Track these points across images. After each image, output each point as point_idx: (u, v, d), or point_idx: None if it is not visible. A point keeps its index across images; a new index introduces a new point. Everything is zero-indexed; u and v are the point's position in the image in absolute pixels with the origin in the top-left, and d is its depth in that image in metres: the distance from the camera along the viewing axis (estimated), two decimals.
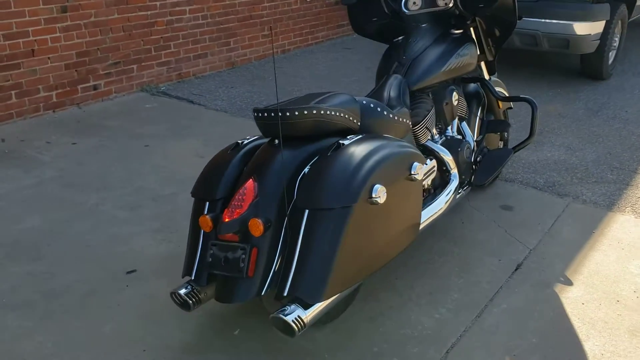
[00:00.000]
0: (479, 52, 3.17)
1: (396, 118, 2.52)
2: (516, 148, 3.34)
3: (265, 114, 2.15)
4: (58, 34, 4.74)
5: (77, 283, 2.70)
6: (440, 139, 2.97)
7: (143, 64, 5.44)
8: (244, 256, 1.99)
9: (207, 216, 2.09)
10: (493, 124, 3.23)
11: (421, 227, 2.56)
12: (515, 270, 2.87)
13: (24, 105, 4.65)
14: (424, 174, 2.59)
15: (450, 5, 2.94)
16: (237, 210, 2.03)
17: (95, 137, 4.40)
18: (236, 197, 2.06)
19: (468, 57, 2.99)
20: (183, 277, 2.18)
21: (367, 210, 2.02)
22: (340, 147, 2.12)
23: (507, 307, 2.60)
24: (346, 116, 2.28)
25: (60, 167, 3.90)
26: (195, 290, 2.14)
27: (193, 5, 5.76)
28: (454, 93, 2.94)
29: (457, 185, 2.89)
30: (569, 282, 2.77)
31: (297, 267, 1.96)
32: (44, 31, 4.64)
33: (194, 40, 5.86)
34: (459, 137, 3.05)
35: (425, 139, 2.83)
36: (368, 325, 2.45)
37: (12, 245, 2.98)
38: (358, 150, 2.09)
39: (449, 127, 3.02)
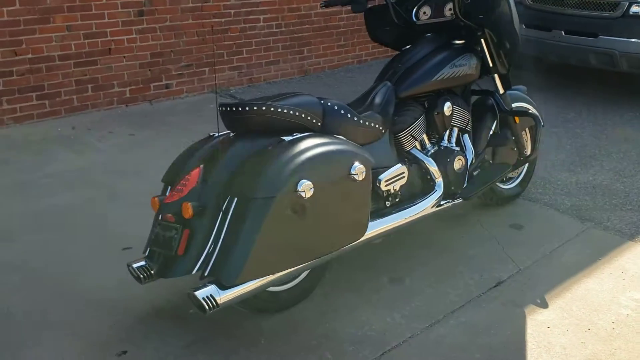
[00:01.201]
0: (491, 64, 3.12)
1: (362, 122, 2.57)
2: (515, 165, 3.22)
3: (223, 109, 2.32)
4: (134, 35, 5.22)
5: (72, 255, 3.01)
6: (433, 148, 2.96)
7: (215, 67, 5.81)
8: (176, 236, 2.16)
9: (157, 198, 2.29)
10: (493, 138, 3.15)
11: (384, 230, 2.60)
12: (494, 287, 2.79)
13: (98, 98, 5.18)
14: (388, 180, 2.62)
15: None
16: (178, 194, 2.21)
17: (153, 130, 4.80)
18: (180, 182, 2.24)
19: (465, 68, 2.96)
20: (143, 253, 2.39)
21: (293, 203, 2.11)
22: (280, 142, 2.23)
23: (466, 321, 2.54)
24: (303, 115, 2.38)
25: (111, 154, 4.31)
26: (147, 266, 2.34)
27: (267, 15, 6.06)
28: (447, 103, 2.92)
29: (441, 195, 2.86)
30: (544, 305, 2.65)
31: (219, 250, 2.10)
32: (121, 32, 5.14)
33: (266, 47, 6.16)
34: (456, 148, 3.02)
35: (410, 147, 2.84)
36: (317, 319, 2.52)
37: (34, 215, 3.37)
38: (294, 146, 2.19)
39: (445, 138, 3.00)
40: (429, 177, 2.88)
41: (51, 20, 4.77)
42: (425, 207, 2.78)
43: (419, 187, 2.86)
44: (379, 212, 2.64)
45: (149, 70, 5.40)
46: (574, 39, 5.52)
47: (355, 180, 2.26)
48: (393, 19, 3.10)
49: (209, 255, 2.15)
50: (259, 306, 2.44)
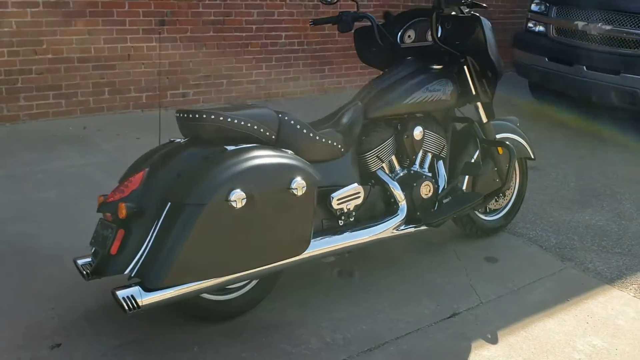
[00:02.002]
0: (474, 92, 3.07)
1: (317, 138, 2.57)
2: (486, 197, 3.14)
3: (179, 115, 2.37)
4: (154, 44, 5.38)
5: (36, 246, 3.09)
6: (402, 171, 2.92)
7: (233, 80, 5.92)
8: (111, 235, 2.21)
9: (102, 196, 2.35)
10: (465, 167, 3.08)
11: (335, 248, 2.57)
12: (448, 317, 2.72)
13: (114, 102, 5.34)
14: (341, 198, 2.60)
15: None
16: (119, 194, 2.25)
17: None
18: (124, 183, 2.29)
19: (439, 94, 2.92)
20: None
21: (223, 212, 2.12)
22: (223, 151, 2.26)
23: (407, 349, 2.48)
24: (255, 127, 2.40)
25: (112, 155, 4.43)
26: (91, 262, 2.39)
27: (290, 32, 6.15)
28: (418, 127, 2.88)
29: (403, 220, 2.82)
30: (493, 341, 2.56)
31: (148, 252, 2.13)
32: (141, 40, 5.31)
33: (287, 64, 6.24)
34: (427, 173, 2.97)
35: (375, 168, 2.82)
36: (255, 332, 2.51)
37: (21, 208, 3.49)
38: (234, 156, 2.21)
39: (417, 162, 2.96)
40: (392, 200, 2.84)
41: (73, 24, 4.97)
42: (384, 229, 2.74)
43: (381, 209, 2.83)
44: (331, 230, 2.62)
45: (167, 78, 5.54)
46: (596, 75, 5.37)
47: (294, 195, 2.26)
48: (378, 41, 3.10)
49: (141, 257, 2.17)
50: (199, 313, 2.45)
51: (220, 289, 2.42)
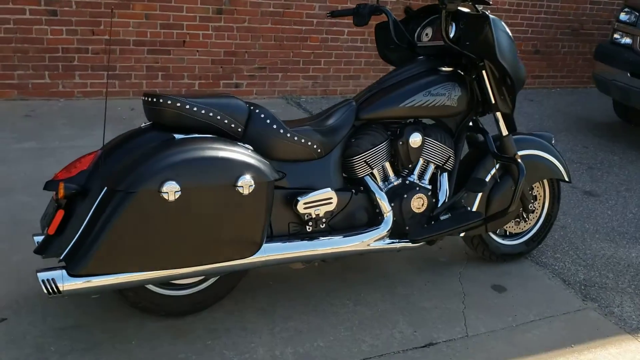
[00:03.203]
0: (493, 101, 2.75)
1: (289, 136, 2.38)
2: (488, 219, 2.80)
3: (144, 98, 2.27)
4: (210, 32, 5.39)
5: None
6: (396, 180, 2.67)
7: (289, 73, 5.82)
8: (51, 215, 2.15)
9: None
10: (470, 182, 2.75)
11: (297, 255, 2.38)
12: (420, 347, 2.44)
13: (167, 87, 5.40)
14: (308, 203, 2.39)
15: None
16: (65, 174, 2.19)
17: None
18: (73, 162, 2.23)
19: (443, 98, 2.63)
20: None
21: (154, 203, 1.99)
22: (170, 139, 2.13)
23: None
24: (219, 117, 2.25)
25: None
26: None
27: (353, 28, 5.95)
28: (415, 134, 2.61)
29: (386, 233, 2.57)
30: None
31: (78, 237, 2.04)
32: (197, 27, 5.32)
33: (347, 61, 6.05)
34: (426, 185, 2.70)
35: (362, 174, 2.58)
36: (203, 334, 2.36)
37: (35, 180, 3.56)
38: (179, 146, 2.07)
39: (415, 172, 2.69)
40: (377, 210, 2.60)
41: (131, 7, 5.07)
42: (360, 241, 2.50)
43: (362, 219, 2.59)
44: (297, 235, 2.43)
45: (221, 67, 5.53)
46: None
47: (240, 193, 2.09)
48: (400, 38, 2.87)
49: (73, 241, 2.09)
50: (146, 306, 2.35)
51: (165, 283, 2.31)
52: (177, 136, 2.14)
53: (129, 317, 2.41)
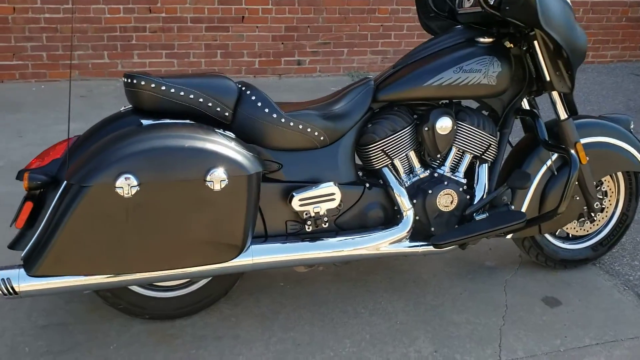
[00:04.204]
0: (548, 78, 2.27)
1: (284, 121, 2.05)
2: (532, 221, 2.32)
3: (124, 80, 2.05)
4: (270, 6, 5.12)
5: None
6: (422, 172, 2.28)
7: (355, 49, 5.45)
8: (19, 206, 1.98)
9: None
10: (512, 176, 2.28)
11: (295, 259, 2.08)
12: None
13: (226, 65, 5.22)
14: (305, 199, 2.06)
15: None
16: (36, 162, 2.01)
17: None
18: (47, 150, 2.04)
19: (479, 75, 2.19)
20: None
21: (109, 199, 1.75)
22: (137, 126, 1.88)
23: None
24: (201, 100, 1.98)
25: None
26: None
27: None
28: (444, 118, 2.19)
29: (405, 234, 2.19)
30: None
31: (38, 234, 1.86)
32: (257, 1, 5.08)
33: (420, 34, 5.57)
34: (459, 179, 2.28)
35: (379, 165, 2.21)
36: (189, 342, 2.12)
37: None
38: (141, 133, 1.81)
39: (447, 164, 2.29)
40: (396, 208, 2.23)
41: None
42: (372, 243, 2.15)
43: (378, 217, 2.23)
44: (295, 236, 2.12)
45: (282, 43, 5.26)
46: None
47: (210, 189, 1.81)
48: (439, 6, 2.46)
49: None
50: (130, 309, 2.15)
51: (149, 284, 2.09)
52: (145, 122, 1.88)
53: (115, 317, 2.22)
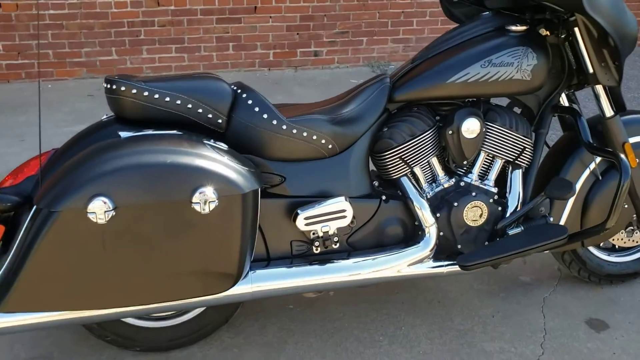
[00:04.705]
0: (591, 69, 1.97)
1: (285, 128, 1.79)
2: (575, 237, 2.02)
3: (104, 85, 1.80)
4: None
5: None
6: (447, 181, 1.99)
7: (375, 37, 5.15)
8: None
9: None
10: (551, 185, 1.97)
11: (300, 285, 1.83)
12: None
13: (239, 58, 4.96)
14: (311, 217, 1.80)
15: None
16: (10, 181, 1.78)
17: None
18: (21, 166, 1.81)
19: (511, 70, 1.89)
20: None
21: (82, 225, 1.51)
22: (115, 140, 1.63)
23: None
24: (189, 106, 1.73)
25: None
26: None
27: None
28: (471, 120, 1.90)
29: (429, 253, 1.92)
30: None
31: (7, 263, 1.63)
32: None
33: (444, 20, 5.22)
34: (489, 188, 1.99)
35: (397, 174, 1.93)
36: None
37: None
38: (118, 149, 1.57)
39: (474, 171, 2.00)
40: (417, 223, 1.95)
41: None
42: (389, 265, 1.88)
43: (395, 234, 1.96)
44: (302, 258, 1.86)
45: (297, 34, 4.99)
46: None
47: (199, 212, 1.55)
48: None
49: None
50: (114, 340, 1.91)
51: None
52: (124, 134, 1.63)
53: (104, 349, 2.00)
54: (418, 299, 2.26)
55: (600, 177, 2.15)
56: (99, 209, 1.49)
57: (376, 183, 2.00)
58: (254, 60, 4.98)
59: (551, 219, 2.05)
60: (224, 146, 1.67)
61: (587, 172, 2.14)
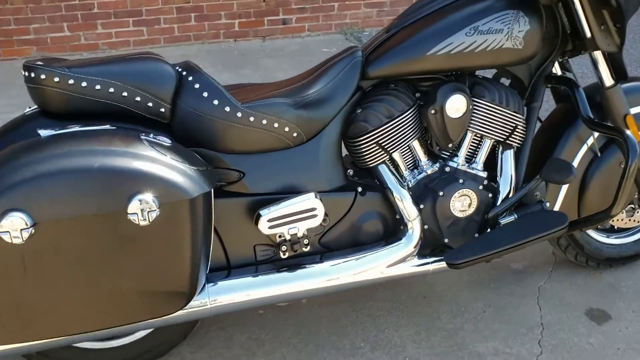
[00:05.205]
0: (588, 33, 1.72)
1: (239, 116, 1.52)
2: (576, 224, 1.80)
3: (23, 73, 1.52)
4: None
5: None
6: (430, 167, 1.75)
7: (347, 2, 4.84)
8: None
9: None
10: (547, 167, 1.75)
11: (267, 297, 1.59)
12: None
13: (202, 30, 4.63)
14: (275, 219, 1.55)
15: None
16: None
17: (233, 74, 4.12)
18: None
19: (501, 38, 1.64)
20: None
21: None
22: (34, 140, 1.36)
23: None
24: (125, 94, 1.45)
25: None
26: None
27: None
28: (455, 96, 1.65)
29: (410, 250, 1.69)
30: None
31: None
32: None
33: None
34: (478, 173, 1.76)
35: (374, 162, 1.69)
36: None
37: None
38: (36, 152, 1.30)
39: (460, 153, 1.76)
40: (398, 217, 1.72)
41: None
42: (367, 267, 1.65)
43: (374, 231, 1.72)
44: (269, 265, 1.63)
45: (264, 1, 4.66)
46: None
47: (137, 224, 1.29)
48: None
49: None
50: None
51: None
52: (44, 133, 1.36)
53: None
54: (402, 295, 2.04)
55: (599, 154, 1.93)
56: (14, 227, 1.22)
57: (351, 172, 1.75)
58: (218, 31, 4.65)
59: (547, 204, 1.82)
60: (166, 141, 1.41)
61: (584, 149, 1.92)
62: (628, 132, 1.69)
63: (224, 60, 4.35)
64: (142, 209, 1.28)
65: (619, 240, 2.13)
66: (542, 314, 1.97)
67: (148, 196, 1.28)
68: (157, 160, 1.33)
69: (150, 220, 1.29)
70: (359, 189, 1.69)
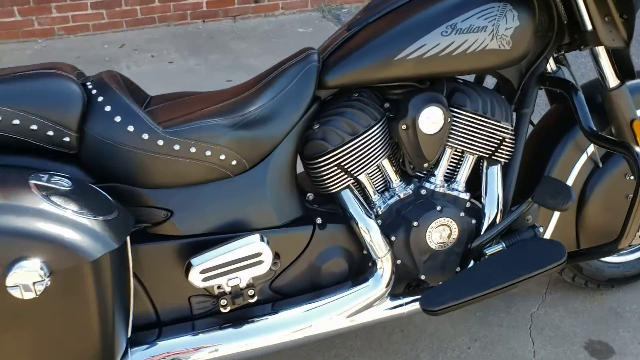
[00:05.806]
0: (589, 26, 1.43)
1: (161, 144, 1.23)
2: (575, 256, 1.54)
3: None
4: None
5: None
6: (402, 190, 1.47)
7: None
8: None
9: None
10: (540, 188, 1.48)
11: (225, 355, 1.32)
12: None
13: (167, 11, 4.29)
14: (210, 270, 1.27)
15: None
16: None
17: (201, 58, 3.81)
18: None
19: (485, 37, 1.34)
20: None
21: None
22: None
23: None
24: (17, 121, 1.16)
25: None
26: None
27: None
28: (430, 108, 1.37)
29: (380, 292, 1.43)
30: None
31: None
32: None
33: None
34: (456, 195, 1.48)
35: (337, 186, 1.41)
36: None
37: None
38: None
39: (438, 173, 1.48)
40: (365, 252, 1.45)
41: None
42: (328, 316, 1.39)
43: (336, 271, 1.45)
44: (209, 316, 1.36)
45: None
46: None
47: (20, 298, 1.01)
48: None
49: None
50: None
51: None
52: None
53: None
54: (375, 330, 1.78)
55: (600, 164, 1.66)
56: None
57: (310, 196, 1.48)
58: (184, 11, 4.31)
59: (541, 230, 1.55)
60: (64, 184, 1.12)
61: (583, 158, 1.65)
62: (638, 149, 1.41)
63: (190, 44, 4.02)
64: (24, 281, 0.99)
65: (621, 258, 1.88)
66: (535, 349, 1.72)
67: (34, 263, 1.00)
68: (46, 214, 1.04)
69: (38, 293, 1.01)
70: (318, 221, 1.42)
